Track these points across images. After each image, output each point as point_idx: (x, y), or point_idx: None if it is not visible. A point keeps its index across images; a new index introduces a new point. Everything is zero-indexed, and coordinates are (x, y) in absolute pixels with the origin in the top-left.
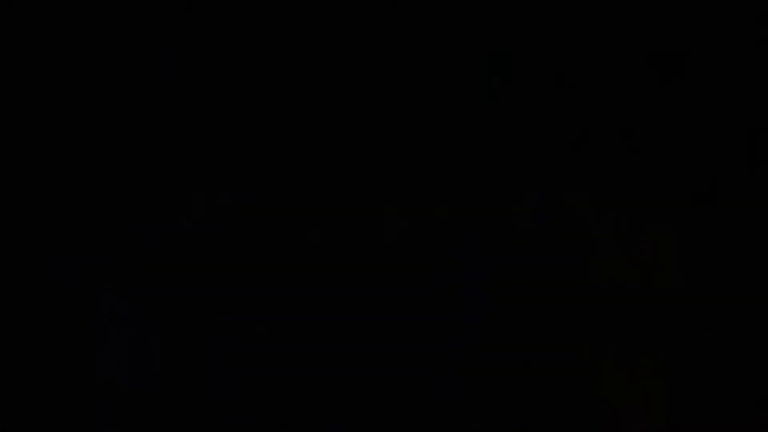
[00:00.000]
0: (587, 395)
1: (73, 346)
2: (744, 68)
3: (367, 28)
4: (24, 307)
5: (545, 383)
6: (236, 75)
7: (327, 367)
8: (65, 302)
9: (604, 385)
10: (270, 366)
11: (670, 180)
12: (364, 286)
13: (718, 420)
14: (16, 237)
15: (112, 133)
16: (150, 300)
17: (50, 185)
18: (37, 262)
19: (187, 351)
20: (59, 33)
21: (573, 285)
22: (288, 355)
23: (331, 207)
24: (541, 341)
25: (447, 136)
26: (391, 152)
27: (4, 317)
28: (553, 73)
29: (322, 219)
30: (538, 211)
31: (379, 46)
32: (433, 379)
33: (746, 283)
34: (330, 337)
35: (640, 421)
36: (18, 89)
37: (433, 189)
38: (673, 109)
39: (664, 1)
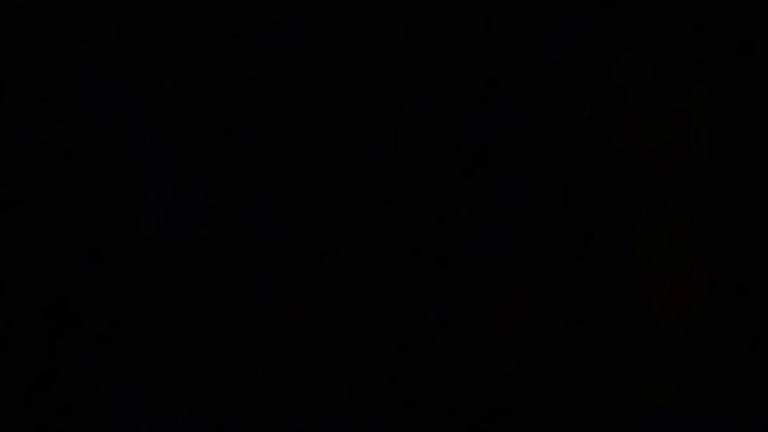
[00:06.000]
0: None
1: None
2: None
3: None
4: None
5: (575, 245)
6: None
7: None
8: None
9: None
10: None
11: (707, 40)
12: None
13: (747, 280)
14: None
15: None
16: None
17: None
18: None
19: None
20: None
21: (601, 144)
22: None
23: None
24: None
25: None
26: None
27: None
28: None
29: None
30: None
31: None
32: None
33: None
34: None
35: (671, 285)
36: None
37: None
38: None
39: None
